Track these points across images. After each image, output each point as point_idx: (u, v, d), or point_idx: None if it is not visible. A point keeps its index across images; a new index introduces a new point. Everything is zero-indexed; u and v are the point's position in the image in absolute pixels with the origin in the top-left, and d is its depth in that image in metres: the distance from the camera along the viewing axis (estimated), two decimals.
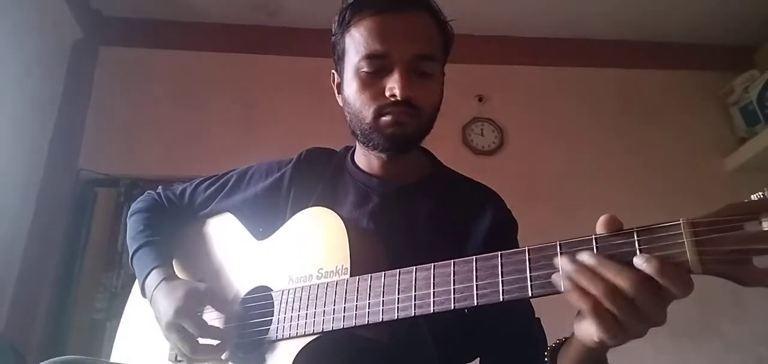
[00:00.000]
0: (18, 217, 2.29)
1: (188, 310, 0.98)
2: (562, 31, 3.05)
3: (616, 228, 0.66)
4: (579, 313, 0.69)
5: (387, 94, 0.98)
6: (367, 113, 1.01)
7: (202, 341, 0.97)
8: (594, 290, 0.63)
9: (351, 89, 1.03)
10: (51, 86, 2.56)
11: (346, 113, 1.07)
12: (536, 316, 1.03)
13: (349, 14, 1.03)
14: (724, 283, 0.66)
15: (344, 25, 1.04)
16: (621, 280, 0.62)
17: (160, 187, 1.29)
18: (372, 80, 1.00)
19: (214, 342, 0.98)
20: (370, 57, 0.99)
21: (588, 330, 0.67)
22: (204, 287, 1.03)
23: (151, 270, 1.09)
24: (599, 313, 0.64)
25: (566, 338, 0.80)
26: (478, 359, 1.07)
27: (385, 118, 1.00)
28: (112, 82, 2.74)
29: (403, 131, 1.00)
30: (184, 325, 0.97)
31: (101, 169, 2.53)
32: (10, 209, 2.24)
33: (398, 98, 0.97)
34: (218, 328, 1.00)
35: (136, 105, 2.71)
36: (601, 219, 0.66)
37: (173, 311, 0.98)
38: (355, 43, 1.02)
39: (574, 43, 3.10)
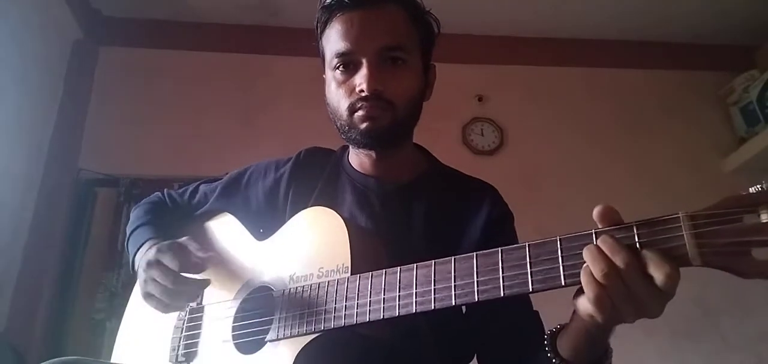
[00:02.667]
0: (18, 217, 2.29)
1: (169, 251, 1.00)
2: (562, 31, 3.06)
3: (611, 217, 0.67)
4: (578, 290, 0.70)
5: (357, 89, 1.00)
6: (343, 111, 1.03)
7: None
8: (594, 267, 0.65)
9: (330, 89, 1.06)
10: (51, 86, 2.56)
11: (329, 113, 1.08)
12: (535, 309, 1.03)
13: (322, 18, 1.05)
14: (724, 283, 0.67)
15: (321, 29, 1.07)
16: (618, 259, 0.63)
17: (166, 189, 1.30)
18: (344, 78, 1.02)
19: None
20: (339, 56, 1.01)
21: (583, 305, 0.68)
22: (183, 239, 1.04)
23: (145, 242, 1.11)
24: (594, 288, 0.65)
25: (565, 324, 0.81)
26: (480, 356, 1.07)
27: (358, 114, 1.01)
28: (112, 82, 2.74)
29: (376, 125, 1.01)
30: (163, 260, 0.98)
31: (101, 169, 2.53)
32: (10, 208, 2.24)
33: (366, 93, 0.98)
34: (197, 259, 1.01)
35: (136, 105, 2.71)
36: (597, 210, 0.68)
37: (155, 250, 1.00)
38: (329, 45, 1.04)
39: (574, 43, 3.10)
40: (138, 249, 1.11)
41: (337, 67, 1.02)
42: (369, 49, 0.99)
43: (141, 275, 1.03)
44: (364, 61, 0.99)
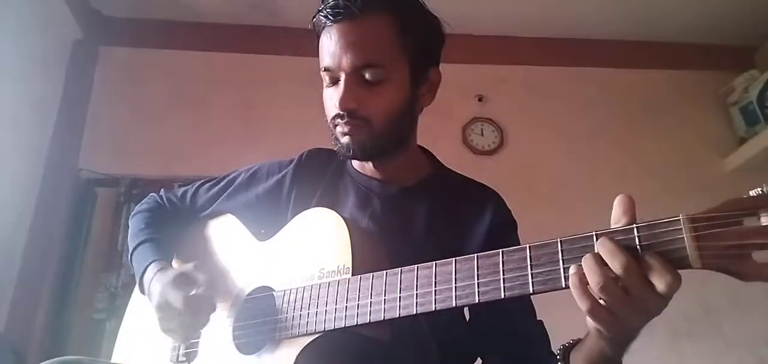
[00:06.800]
0: (18, 217, 2.29)
1: (175, 287, 0.99)
2: (562, 31, 3.06)
3: (629, 206, 0.67)
4: None
5: (334, 105, 1.01)
6: (329, 123, 1.05)
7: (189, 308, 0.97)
8: (590, 278, 0.65)
9: (323, 98, 1.07)
10: (51, 86, 2.56)
11: None
12: (539, 318, 1.04)
13: (315, 30, 1.05)
14: (724, 283, 0.67)
15: (316, 38, 1.06)
16: (616, 263, 0.63)
17: (162, 189, 1.29)
18: (330, 93, 1.04)
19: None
20: (324, 71, 1.02)
21: (588, 321, 0.68)
22: (192, 265, 1.03)
23: (149, 264, 1.10)
24: (588, 300, 0.65)
25: (579, 339, 0.81)
26: (480, 360, 1.07)
27: (338, 129, 1.03)
28: (112, 82, 2.74)
29: (353, 142, 1.02)
30: (169, 300, 0.98)
31: (101, 169, 2.53)
32: (10, 209, 2.24)
33: (340, 111, 1.00)
34: (201, 297, 0.99)
35: (136, 105, 2.71)
36: (617, 199, 0.68)
37: (161, 289, 1.00)
38: (319, 57, 1.05)
39: (574, 43, 3.10)
40: (144, 271, 1.10)
41: (325, 81, 1.04)
42: (344, 66, 0.99)
43: (156, 312, 1.02)
44: (341, 76, 1.00)
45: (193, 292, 0.99)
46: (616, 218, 0.68)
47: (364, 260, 0.88)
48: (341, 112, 0.99)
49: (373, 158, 1.07)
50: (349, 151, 1.03)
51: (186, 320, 0.98)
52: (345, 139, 1.02)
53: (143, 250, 1.14)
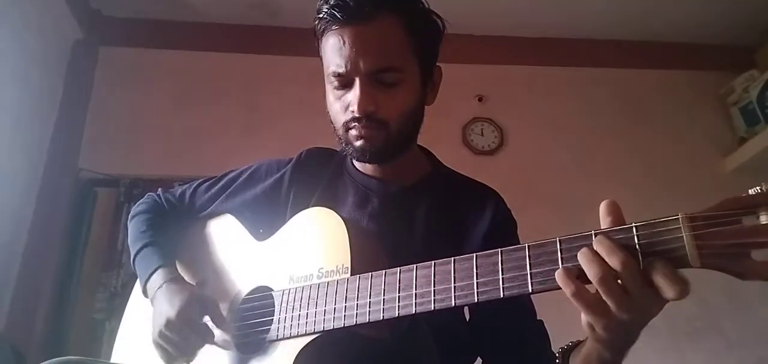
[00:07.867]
0: (18, 217, 2.29)
1: (191, 315, 0.99)
2: (562, 31, 3.06)
3: (615, 212, 0.67)
4: None
5: (349, 109, 0.99)
6: (338, 126, 1.04)
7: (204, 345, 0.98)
8: (588, 271, 0.64)
9: (328, 100, 1.05)
10: (51, 86, 2.56)
11: (329, 120, 1.08)
12: (539, 318, 1.03)
13: (319, 27, 1.03)
14: (724, 282, 0.67)
15: (318, 36, 1.04)
16: (615, 261, 0.62)
17: (159, 189, 1.29)
18: (339, 95, 1.02)
19: (215, 347, 0.99)
20: (334, 74, 1.00)
21: (583, 316, 0.67)
22: (207, 296, 1.03)
23: (156, 270, 1.09)
24: (582, 298, 0.64)
25: (579, 341, 0.80)
26: (480, 360, 1.07)
27: (352, 132, 1.01)
28: (112, 82, 2.74)
29: (371, 145, 1.01)
30: (184, 329, 0.97)
31: (101, 169, 2.53)
32: (10, 209, 2.24)
33: (357, 115, 0.98)
34: (218, 336, 1.00)
35: (136, 105, 2.71)
36: (603, 205, 0.68)
37: (176, 314, 0.98)
38: (325, 58, 1.03)
39: (574, 43, 3.10)
40: (149, 277, 1.09)
41: (333, 82, 1.02)
42: (360, 70, 0.97)
43: (156, 322, 1.02)
44: (356, 80, 0.98)
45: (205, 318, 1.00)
46: (606, 225, 0.67)
47: (362, 260, 0.88)
48: (359, 116, 0.98)
49: (385, 161, 1.06)
50: (366, 154, 1.02)
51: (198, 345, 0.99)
52: (359, 143, 1.01)
53: (147, 254, 1.13)
